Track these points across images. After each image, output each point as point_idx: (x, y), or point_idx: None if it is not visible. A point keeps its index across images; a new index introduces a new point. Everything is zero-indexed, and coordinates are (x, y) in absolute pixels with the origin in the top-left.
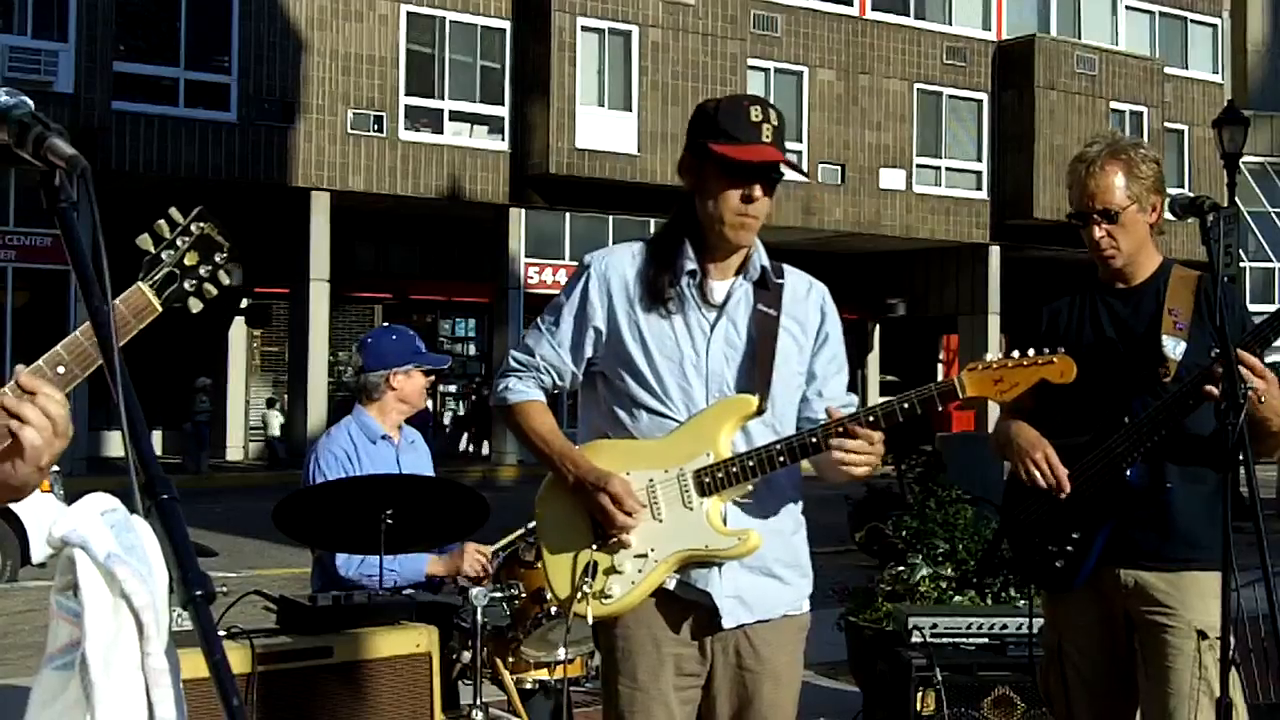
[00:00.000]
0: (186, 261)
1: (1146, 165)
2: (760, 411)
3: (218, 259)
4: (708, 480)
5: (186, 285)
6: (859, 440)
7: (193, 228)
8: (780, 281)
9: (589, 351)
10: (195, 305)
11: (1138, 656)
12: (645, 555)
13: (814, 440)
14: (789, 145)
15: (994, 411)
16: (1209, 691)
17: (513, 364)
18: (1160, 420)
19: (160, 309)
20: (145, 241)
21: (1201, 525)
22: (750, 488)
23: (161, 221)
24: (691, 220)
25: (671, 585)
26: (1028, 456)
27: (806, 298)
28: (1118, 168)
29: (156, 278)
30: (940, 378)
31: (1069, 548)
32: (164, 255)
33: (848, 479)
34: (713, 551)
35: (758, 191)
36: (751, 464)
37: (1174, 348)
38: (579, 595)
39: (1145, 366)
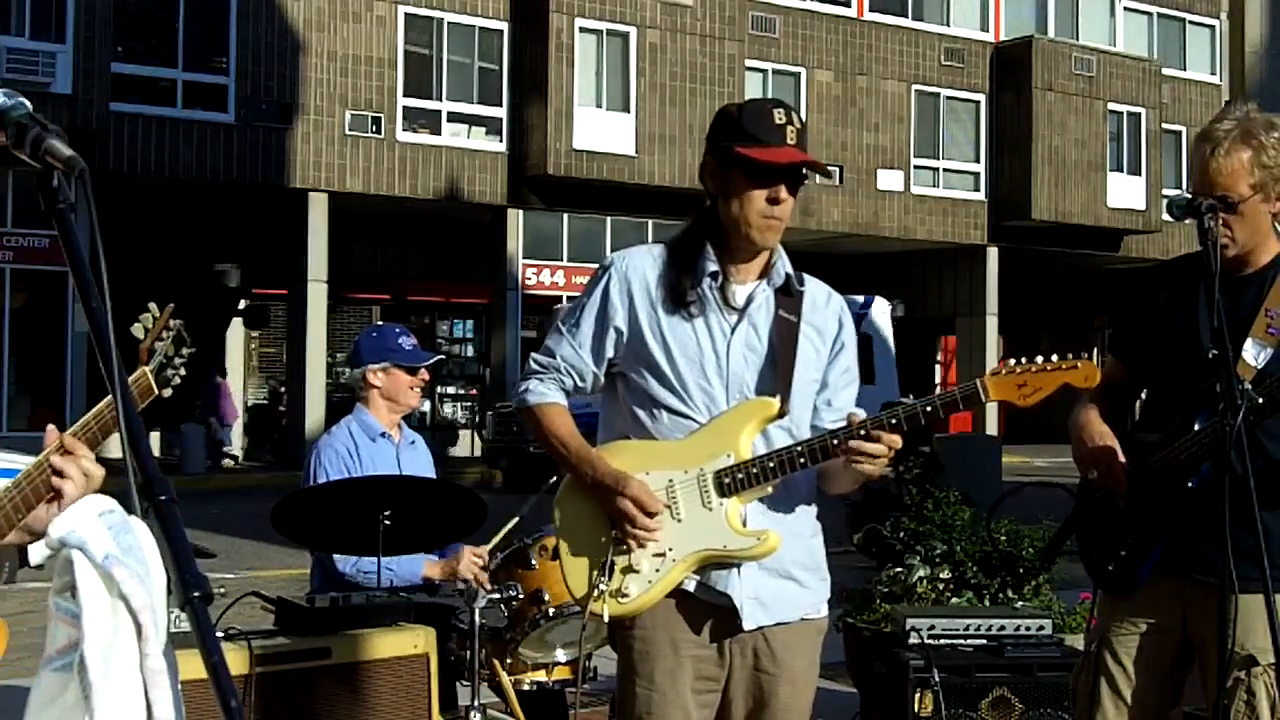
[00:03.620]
0: (169, 353)
1: (1278, 150)
2: (782, 414)
3: (184, 353)
4: (728, 481)
5: (168, 373)
6: (878, 444)
7: (171, 323)
8: (802, 289)
9: (610, 352)
10: (167, 391)
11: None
12: (663, 555)
13: (835, 442)
14: None
15: (992, 414)
16: None
17: (534, 366)
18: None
19: (157, 392)
20: (138, 330)
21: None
22: (770, 489)
23: (145, 314)
24: (712, 223)
25: (691, 587)
26: (1089, 455)
27: (826, 306)
28: (1245, 151)
29: (154, 366)
30: (938, 379)
31: (1122, 553)
32: (156, 346)
33: (853, 485)
34: (731, 552)
35: (783, 193)
36: (772, 465)
37: (1257, 354)
38: (595, 594)
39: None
